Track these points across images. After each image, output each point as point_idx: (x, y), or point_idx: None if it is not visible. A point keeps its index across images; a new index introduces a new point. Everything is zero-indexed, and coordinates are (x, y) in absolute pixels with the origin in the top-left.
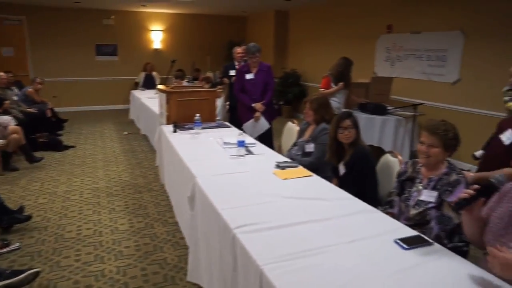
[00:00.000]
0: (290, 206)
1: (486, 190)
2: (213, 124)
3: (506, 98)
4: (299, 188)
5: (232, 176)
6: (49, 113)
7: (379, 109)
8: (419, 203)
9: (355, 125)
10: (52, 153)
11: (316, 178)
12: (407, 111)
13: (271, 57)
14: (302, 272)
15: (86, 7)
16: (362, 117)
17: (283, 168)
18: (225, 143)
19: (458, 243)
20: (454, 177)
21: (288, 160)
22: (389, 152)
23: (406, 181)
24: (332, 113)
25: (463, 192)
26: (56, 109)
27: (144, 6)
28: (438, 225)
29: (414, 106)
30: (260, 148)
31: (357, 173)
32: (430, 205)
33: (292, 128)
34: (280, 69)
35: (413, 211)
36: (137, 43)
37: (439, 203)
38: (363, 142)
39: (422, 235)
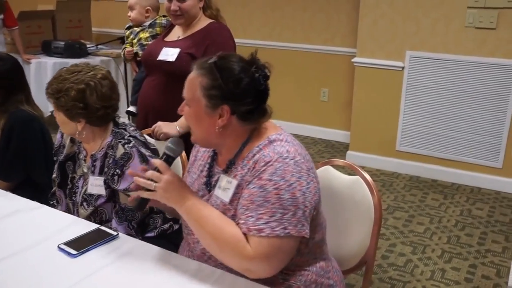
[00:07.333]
0: None
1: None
2: None
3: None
4: None
5: None
6: None
7: (73, 49)
8: (88, 198)
9: None
10: None
11: None
12: (117, 48)
13: None
14: None
15: None
16: (49, 64)
17: None
18: None
19: (162, 225)
20: (121, 149)
21: None
22: None
23: (67, 162)
24: None
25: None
26: None
27: None
28: (121, 224)
29: (122, 39)
30: None
31: (14, 153)
32: (101, 201)
33: None
34: None
35: (83, 212)
36: None
37: (112, 193)
38: (30, 106)
39: (103, 228)
